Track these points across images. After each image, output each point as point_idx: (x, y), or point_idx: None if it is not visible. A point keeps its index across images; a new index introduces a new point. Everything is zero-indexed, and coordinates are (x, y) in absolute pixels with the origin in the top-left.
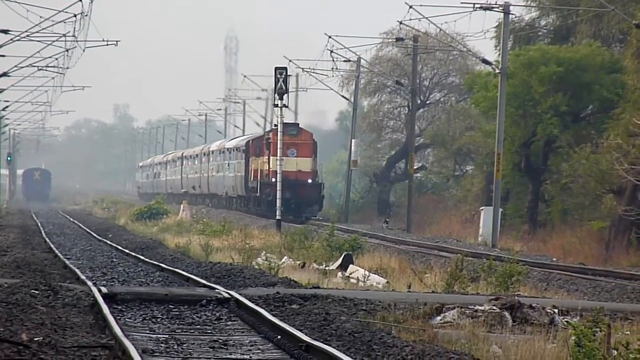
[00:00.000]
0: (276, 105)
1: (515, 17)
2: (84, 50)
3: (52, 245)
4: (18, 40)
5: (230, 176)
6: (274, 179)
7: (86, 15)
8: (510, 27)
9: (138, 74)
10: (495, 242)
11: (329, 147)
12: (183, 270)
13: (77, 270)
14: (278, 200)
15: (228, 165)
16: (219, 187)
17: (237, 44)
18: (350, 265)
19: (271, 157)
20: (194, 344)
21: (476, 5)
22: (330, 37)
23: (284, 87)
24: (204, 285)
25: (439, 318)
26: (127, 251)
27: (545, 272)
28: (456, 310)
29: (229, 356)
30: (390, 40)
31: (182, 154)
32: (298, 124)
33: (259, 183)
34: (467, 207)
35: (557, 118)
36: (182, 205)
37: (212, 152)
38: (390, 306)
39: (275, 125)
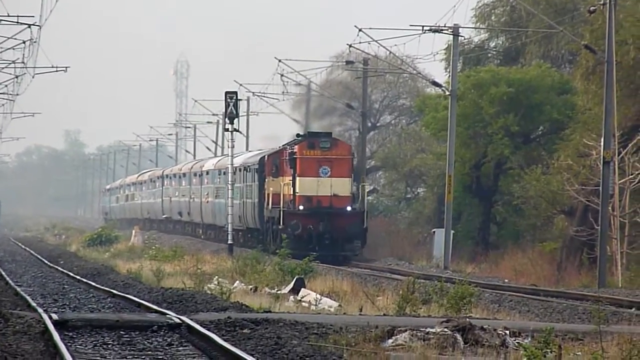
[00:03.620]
0: (227, 130)
1: (465, 39)
2: (33, 77)
3: (2, 272)
4: None
5: (236, 203)
6: (301, 207)
7: (35, 42)
8: (459, 49)
9: (88, 100)
10: (447, 264)
11: None
12: (134, 296)
13: (28, 297)
14: (229, 225)
15: (233, 190)
16: (217, 217)
17: (188, 68)
18: (302, 289)
19: (297, 178)
20: None
21: (425, 28)
22: (280, 60)
23: (234, 111)
24: (156, 311)
25: (390, 341)
26: (78, 277)
27: (497, 294)
28: (408, 332)
29: None
30: (340, 63)
31: (163, 172)
32: (331, 133)
33: (281, 212)
34: (419, 230)
35: (508, 139)
36: (133, 231)
37: (208, 172)
38: (342, 329)
39: (299, 135)
